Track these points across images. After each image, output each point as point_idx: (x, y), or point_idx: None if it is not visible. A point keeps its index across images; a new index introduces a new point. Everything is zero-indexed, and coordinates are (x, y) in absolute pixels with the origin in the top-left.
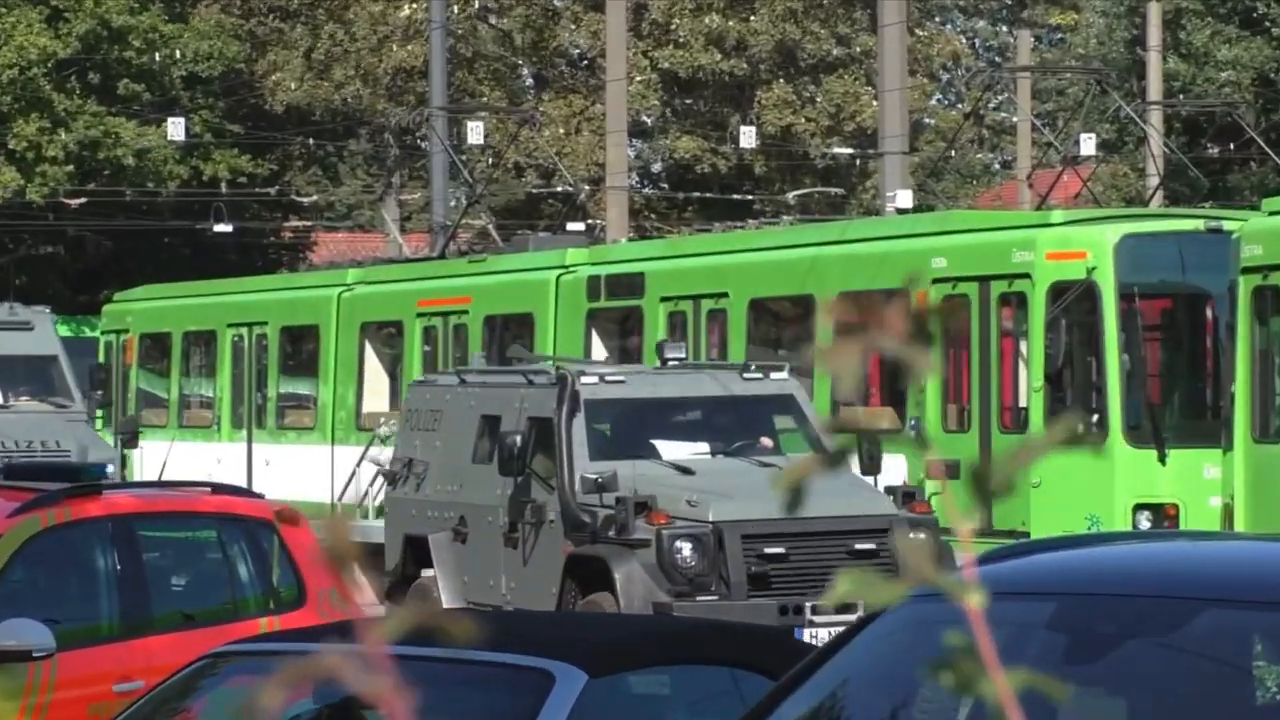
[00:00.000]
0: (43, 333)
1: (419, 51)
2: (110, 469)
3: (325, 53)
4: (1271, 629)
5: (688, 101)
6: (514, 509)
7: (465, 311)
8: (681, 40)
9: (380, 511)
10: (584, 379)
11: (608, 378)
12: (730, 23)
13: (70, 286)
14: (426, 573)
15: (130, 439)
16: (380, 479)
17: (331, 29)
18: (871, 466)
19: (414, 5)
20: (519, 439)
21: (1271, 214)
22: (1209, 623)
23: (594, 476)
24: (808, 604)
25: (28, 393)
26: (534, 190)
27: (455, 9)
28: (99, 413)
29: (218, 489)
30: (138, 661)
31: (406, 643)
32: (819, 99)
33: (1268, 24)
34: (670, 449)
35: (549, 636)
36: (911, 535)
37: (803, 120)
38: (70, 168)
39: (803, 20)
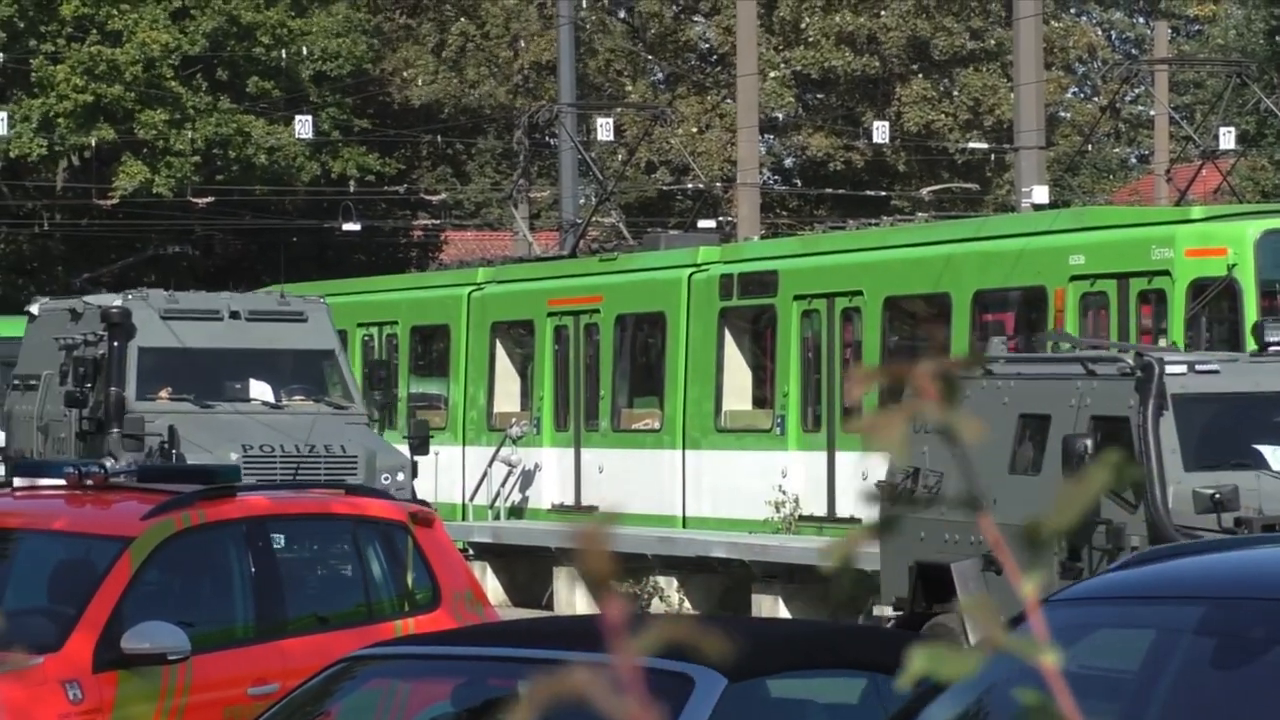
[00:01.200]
0: (318, 324)
1: (552, 45)
2: (400, 477)
3: (458, 49)
4: None
5: (819, 98)
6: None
7: (597, 310)
8: (811, 40)
9: (513, 512)
10: (1171, 368)
11: (1198, 367)
12: (861, 19)
13: (199, 285)
14: (945, 608)
15: (421, 444)
16: (509, 478)
17: (463, 25)
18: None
19: None
20: (1087, 444)
21: None
22: None
23: (1209, 491)
24: None
25: (301, 391)
26: (665, 187)
27: (585, 3)
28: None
29: (352, 490)
30: (272, 664)
31: (545, 645)
32: (956, 93)
33: None
34: (1277, 455)
35: (686, 640)
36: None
37: (942, 115)
38: (197, 159)
39: (935, 15)
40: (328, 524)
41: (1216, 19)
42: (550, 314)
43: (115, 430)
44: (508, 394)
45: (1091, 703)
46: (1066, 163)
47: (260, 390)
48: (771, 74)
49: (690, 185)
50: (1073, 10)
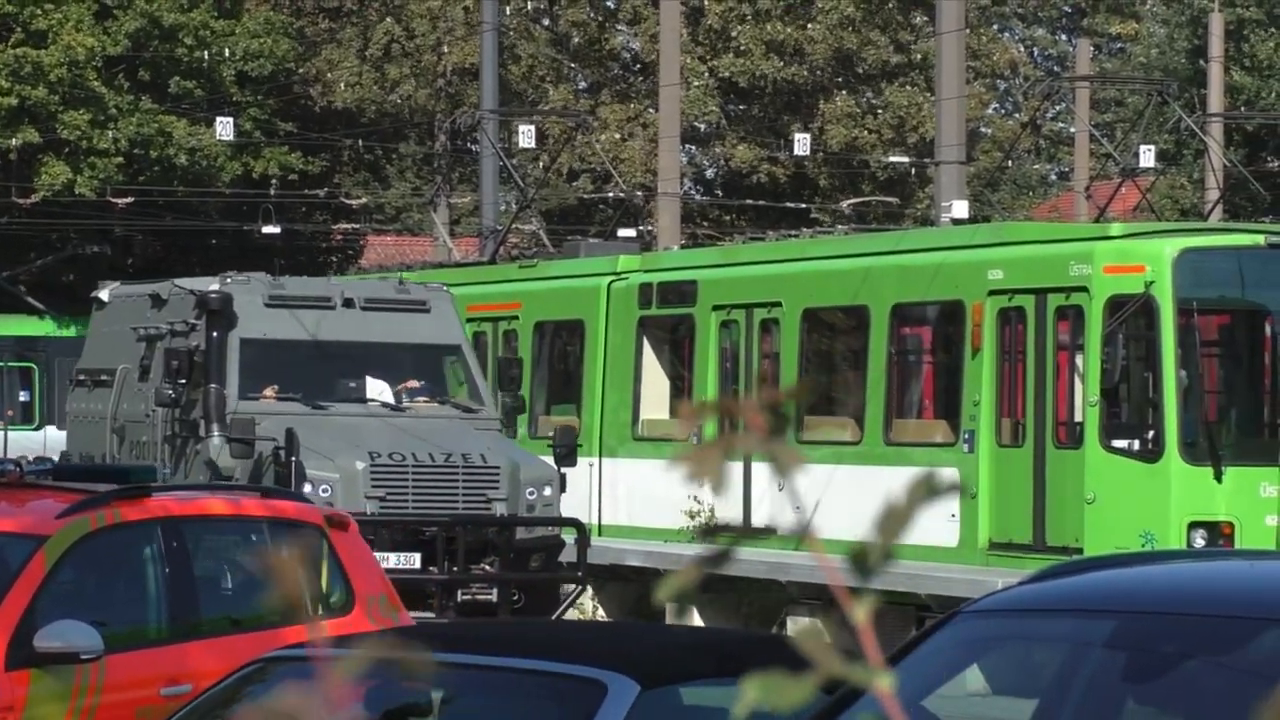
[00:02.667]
0: (442, 315)
1: (476, 50)
2: (547, 492)
3: (383, 50)
4: None
5: (743, 108)
6: None
7: (515, 317)
8: (742, 48)
9: None
10: None
11: None
12: (788, 29)
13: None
14: None
15: (567, 454)
16: None
17: (389, 26)
18: None
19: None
20: None
21: None
22: (1271, 642)
23: None
24: None
25: (424, 392)
26: (586, 195)
27: (508, 9)
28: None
29: (267, 492)
30: (185, 665)
31: (463, 650)
32: (880, 110)
33: None
34: None
35: (602, 647)
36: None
37: (865, 132)
38: (120, 159)
39: (860, 28)
40: (243, 525)
41: (1138, 37)
42: (469, 320)
43: (216, 434)
44: None
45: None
46: (987, 178)
47: (378, 390)
48: (695, 83)
49: (611, 194)
50: (995, 26)
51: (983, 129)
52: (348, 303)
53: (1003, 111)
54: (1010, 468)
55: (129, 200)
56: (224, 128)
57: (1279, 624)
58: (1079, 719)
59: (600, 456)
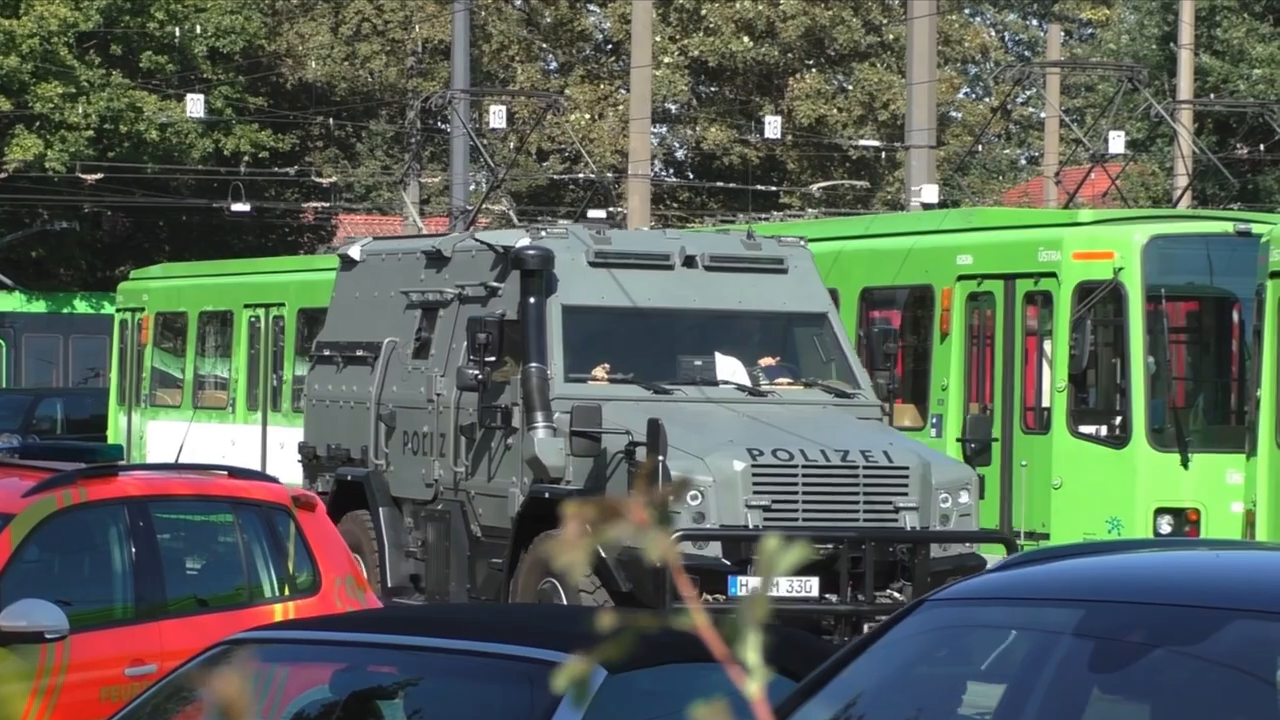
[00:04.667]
0: (803, 277)
1: (446, 27)
2: (964, 499)
3: (355, 28)
4: None
5: (714, 90)
6: None
7: None
8: (711, 26)
9: None
10: None
11: None
12: (760, 6)
13: (88, 262)
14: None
15: (982, 449)
16: None
17: (359, 3)
18: None
19: None
20: None
21: None
22: (1236, 633)
23: None
24: None
25: (785, 372)
26: (556, 176)
27: None
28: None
29: (235, 473)
30: (151, 645)
31: (431, 634)
32: (850, 88)
33: None
34: None
35: (567, 630)
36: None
37: (835, 110)
38: (90, 133)
39: (833, 5)
40: (210, 505)
41: (1109, 23)
42: None
43: (540, 424)
44: None
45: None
46: (957, 162)
47: (730, 369)
48: (666, 60)
49: (581, 174)
50: (967, 11)
51: (953, 113)
52: (689, 261)
53: (973, 96)
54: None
55: (98, 176)
56: (195, 105)
57: (1244, 614)
58: (1046, 707)
59: None
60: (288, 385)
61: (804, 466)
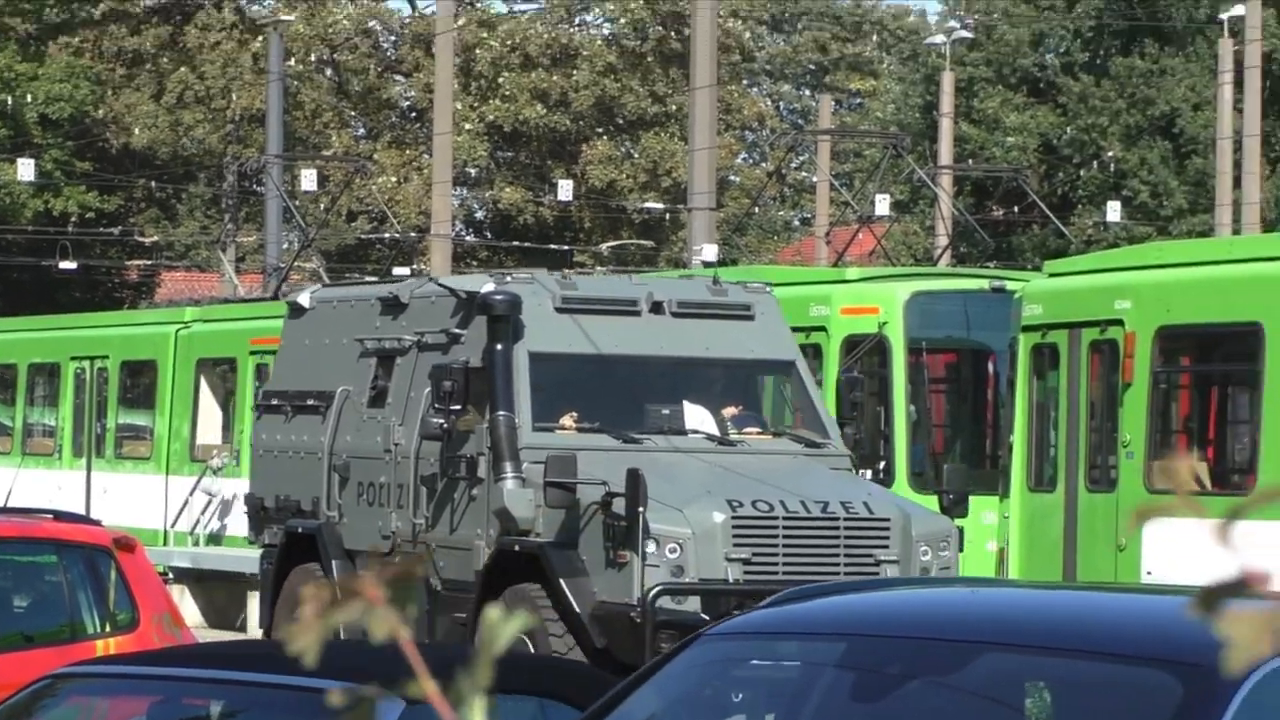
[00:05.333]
0: (769, 324)
1: (263, 95)
2: (945, 553)
3: (177, 96)
4: (1043, 672)
5: (510, 154)
6: None
7: None
8: (508, 94)
9: (211, 539)
10: None
11: None
12: (554, 77)
13: None
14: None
15: (958, 503)
16: (209, 506)
17: (182, 74)
18: None
19: (259, 44)
20: None
21: (1051, 275)
22: (988, 664)
23: None
24: None
25: (753, 421)
26: (364, 235)
27: (294, 60)
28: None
29: (59, 516)
30: None
31: (243, 669)
32: (637, 155)
33: (1054, 92)
34: None
35: (370, 664)
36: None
37: (623, 175)
38: None
39: (622, 76)
40: (35, 547)
41: (876, 94)
42: (253, 352)
43: (510, 475)
44: (210, 427)
45: None
46: (735, 223)
47: (698, 418)
48: (467, 126)
49: (387, 234)
50: (745, 81)
51: (732, 177)
52: (655, 307)
53: (750, 161)
54: None
55: None
56: (26, 168)
57: (995, 647)
58: None
59: None
60: (110, 433)
61: (784, 518)
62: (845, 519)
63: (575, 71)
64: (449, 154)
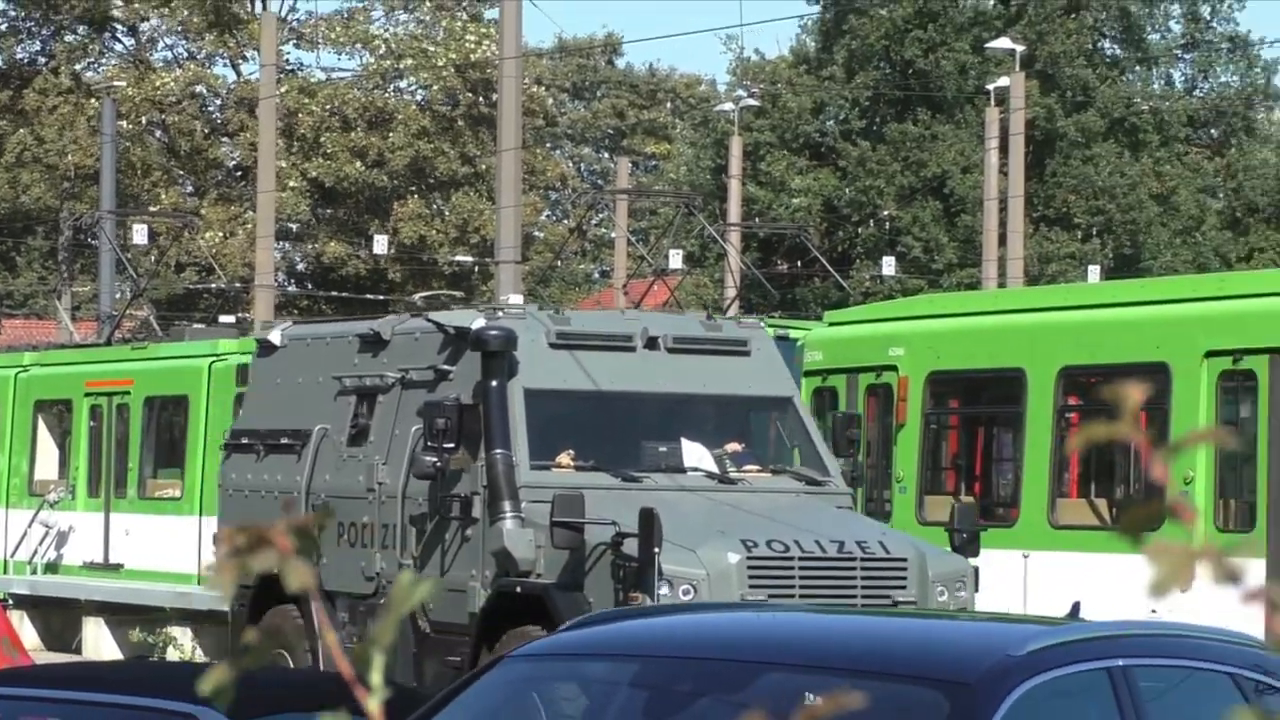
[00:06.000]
0: (766, 359)
1: (97, 154)
2: (961, 594)
3: (16, 156)
4: (819, 690)
5: (330, 211)
6: None
7: (128, 392)
8: (329, 152)
9: (49, 568)
10: None
11: None
12: (371, 138)
13: None
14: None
15: (972, 540)
16: (46, 537)
17: (21, 136)
18: None
19: (93, 106)
20: None
21: (831, 324)
22: (768, 683)
23: None
24: None
25: (752, 459)
26: (192, 286)
27: (126, 123)
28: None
29: None
30: None
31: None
32: (448, 212)
33: (834, 156)
34: None
35: (193, 682)
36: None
37: (434, 231)
38: None
39: (434, 139)
40: None
41: (670, 156)
42: (87, 394)
43: (509, 514)
44: (47, 463)
45: None
46: (540, 275)
47: (696, 455)
48: (290, 184)
49: (214, 284)
50: (549, 144)
51: (536, 233)
52: (651, 343)
53: (554, 218)
54: None
55: None
56: None
57: (777, 667)
58: None
59: (201, 514)
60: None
61: (800, 558)
62: (862, 559)
63: (390, 134)
64: (272, 210)
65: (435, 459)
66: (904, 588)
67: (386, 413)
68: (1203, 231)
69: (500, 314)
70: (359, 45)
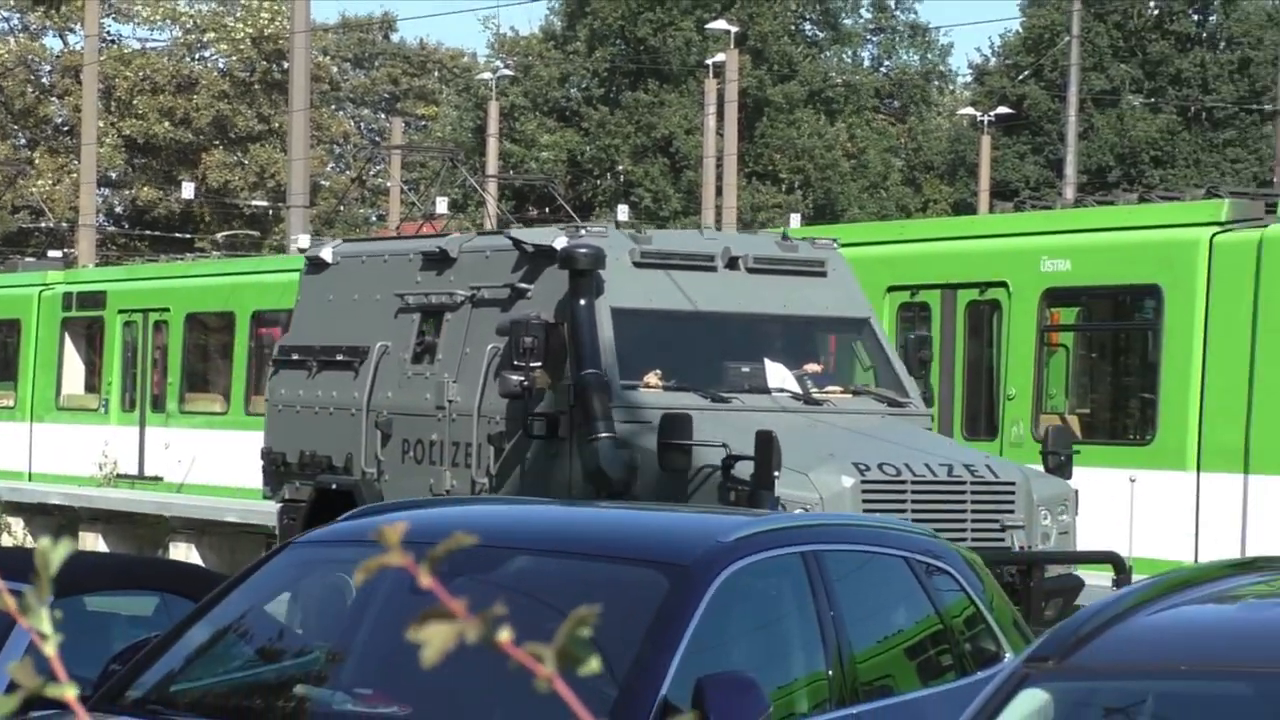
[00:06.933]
0: (842, 280)
1: None
2: (1064, 517)
3: None
4: (562, 572)
5: (144, 160)
6: None
7: None
8: (140, 113)
9: None
10: None
11: None
12: (178, 99)
13: None
14: None
15: (1068, 462)
16: None
17: None
18: None
19: None
20: None
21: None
22: (519, 566)
23: None
24: None
25: (830, 379)
26: (25, 226)
27: None
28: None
29: None
30: None
31: None
32: (248, 163)
33: (578, 119)
34: None
35: (19, 564)
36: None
37: (236, 178)
38: None
39: (234, 101)
40: None
41: (437, 118)
42: None
43: (603, 434)
44: None
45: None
46: (325, 218)
47: (779, 376)
48: (106, 140)
49: (45, 225)
50: (334, 106)
51: (323, 182)
52: (732, 263)
53: (338, 169)
54: None
55: None
56: None
57: (526, 552)
58: (377, 621)
59: (31, 421)
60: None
61: (912, 481)
62: (972, 482)
63: (195, 96)
64: (94, 161)
65: (522, 378)
66: (1012, 511)
67: (455, 330)
68: (887, 186)
69: (583, 232)
70: (168, 20)
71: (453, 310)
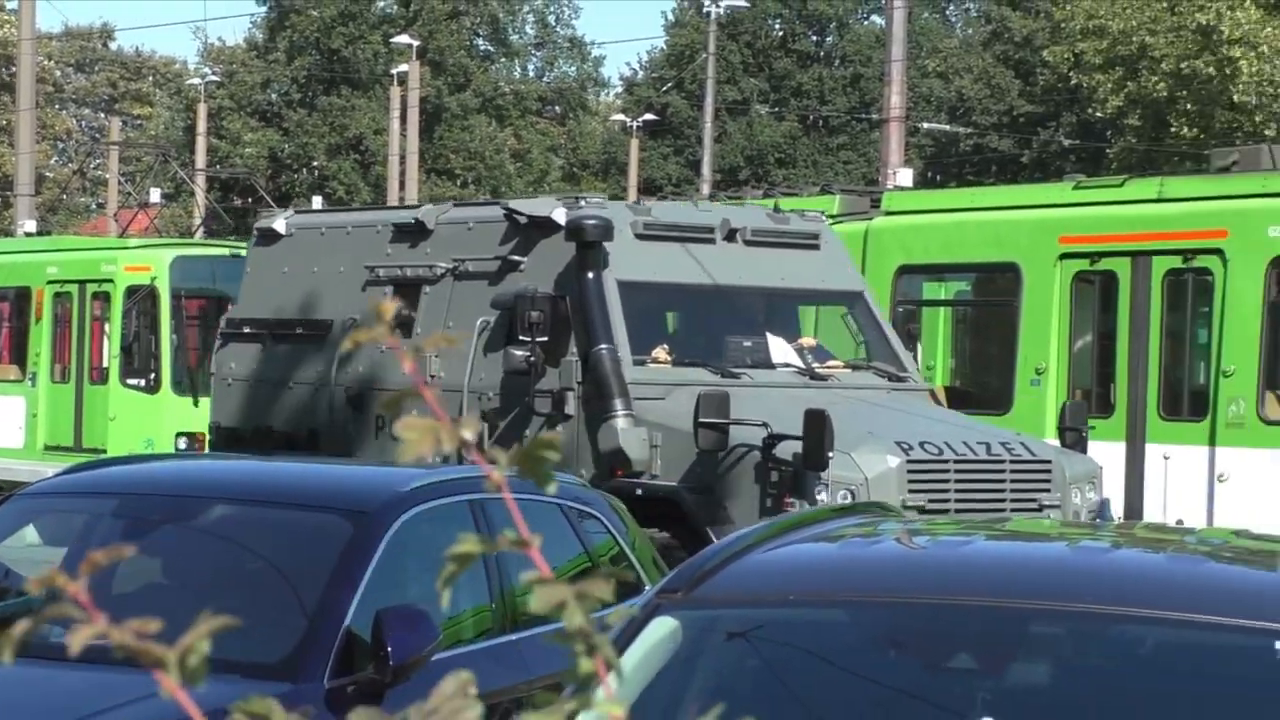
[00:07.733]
0: (834, 254)
1: None
2: (1090, 495)
3: None
4: (251, 519)
5: None
6: None
7: None
8: None
9: None
10: None
11: None
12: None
13: None
14: None
15: (1082, 439)
16: None
17: None
18: None
19: None
20: None
21: None
22: (215, 514)
23: None
24: None
25: (826, 354)
26: None
27: None
28: None
29: None
30: None
31: None
32: None
33: (279, 120)
34: None
35: None
36: None
37: None
38: None
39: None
40: None
41: (152, 118)
42: None
43: (620, 412)
44: None
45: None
46: (50, 205)
47: (782, 350)
48: None
49: None
50: (57, 106)
51: (47, 174)
52: (730, 235)
53: (61, 162)
54: (61, 396)
55: None
56: None
57: (224, 501)
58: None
59: None
60: None
61: (955, 461)
62: (1010, 461)
63: None
64: None
65: (528, 353)
66: (1049, 490)
67: (436, 304)
68: (548, 182)
69: (583, 203)
70: None
71: (431, 283)
